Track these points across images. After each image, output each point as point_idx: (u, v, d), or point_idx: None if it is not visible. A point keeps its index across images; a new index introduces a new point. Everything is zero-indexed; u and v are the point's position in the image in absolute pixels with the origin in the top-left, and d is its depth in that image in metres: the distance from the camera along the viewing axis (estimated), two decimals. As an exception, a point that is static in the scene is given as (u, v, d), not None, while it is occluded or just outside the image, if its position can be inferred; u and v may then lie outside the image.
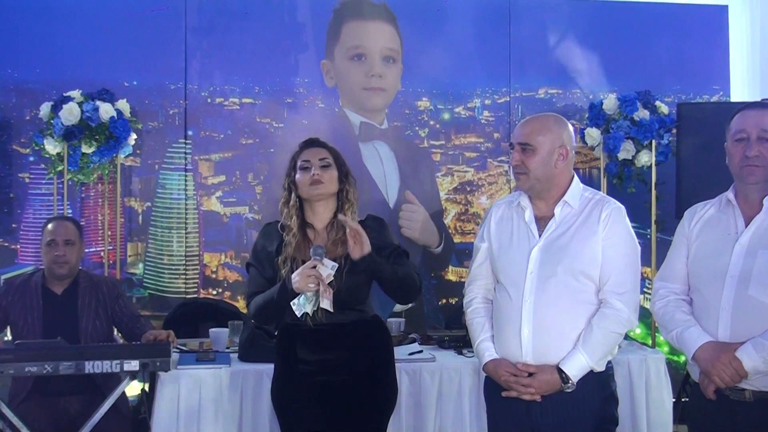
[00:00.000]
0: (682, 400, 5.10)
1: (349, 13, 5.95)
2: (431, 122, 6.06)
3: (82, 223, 4.82)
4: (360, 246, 3.22)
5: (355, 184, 3.54)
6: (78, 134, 5.14)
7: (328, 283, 3.23)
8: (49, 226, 4.33)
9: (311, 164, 3.43)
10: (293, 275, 3.25)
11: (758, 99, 5.33)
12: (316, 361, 3.38)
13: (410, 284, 3.43)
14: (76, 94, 5.22)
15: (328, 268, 3.23)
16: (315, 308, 3.27)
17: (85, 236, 4.69)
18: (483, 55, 6.07)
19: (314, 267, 3.22)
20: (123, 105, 5.30)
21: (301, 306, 3.25)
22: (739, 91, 6.26)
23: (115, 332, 4.48)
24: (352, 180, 3.53)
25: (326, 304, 3.23)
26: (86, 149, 5.20)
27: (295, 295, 3.25)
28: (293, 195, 3.46)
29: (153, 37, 5.71)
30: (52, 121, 5.16)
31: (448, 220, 6.05)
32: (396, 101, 6.01)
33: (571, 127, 3.19)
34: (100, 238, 5.56)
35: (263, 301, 3.37)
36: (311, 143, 3.52)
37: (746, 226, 2.97)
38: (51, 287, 4.30)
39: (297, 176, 3.45)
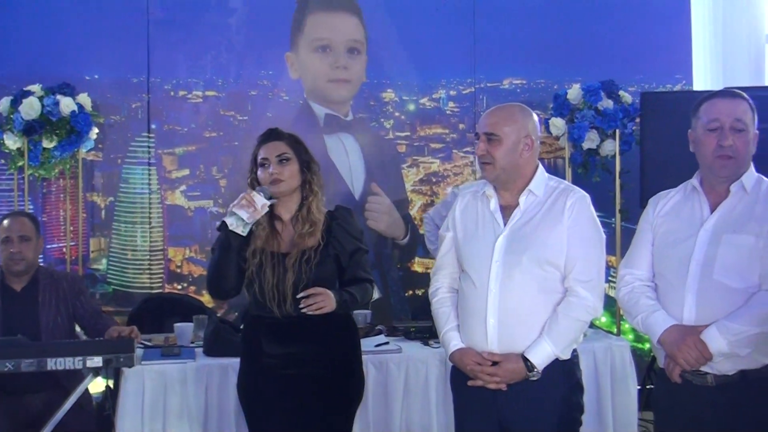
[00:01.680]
0: (647, 387, 5.14)
1: (313, 5, 5.92)
2: (396, 113, 6.06)
3: (43, 219, 4.77)
4: (326, 307, 3.29)
5: (319, 172, 3.50)
6: (38, 129, 5.07)
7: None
8: (5, 222, 4.26)
9: (269, 162, 3.39)
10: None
11: (720, 88, 5.37)
12: (281, 354, 3.36)
13: (365, 303, 3.59)
14: (36, 88, 5.15)
15: (262, 198, 3.28)
16: (244, 229, 3.27)
17: (47, 232, 4.64)
18: (448, 46, 6.07)
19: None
20: (84, 99, 5.23)
21: (233, 223, 3.25)
22: (702, 80, 6.31)
23: (78, 329, 4.43)
24: (315, 168, 3.48)
25: (247, 218, 3.26)
26: (47, 144, 5.13)
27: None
28: None
29: (115, 30, 5.64)
30: (12, 116, 5.09)
31: (414, 211, 6.05)
32: (361, 93, 5.99)
33: (536, 117, 3.19)
34: (62, 234, 5.50)
35: (215, 254, 3.38)
36: (269, 137, 3.46)
37: (711, 213, 2.99)
38: (10, 284, 4.24)
39: (258, 173, 3.42)
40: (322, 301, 3.28)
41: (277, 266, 3.35)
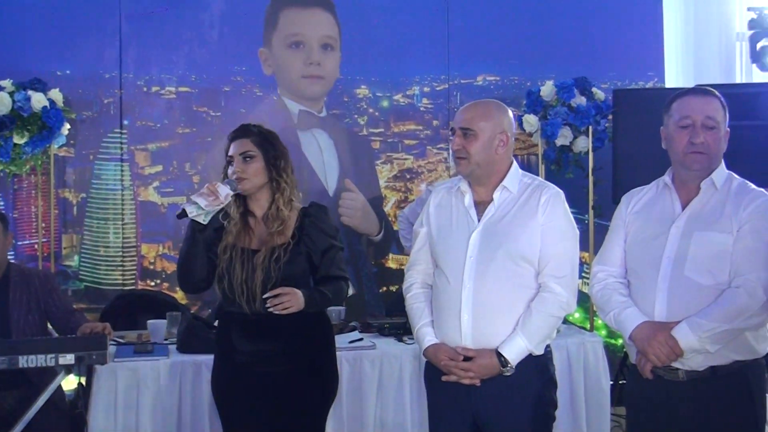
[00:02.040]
0: (620, 382, 5.17)
1: (286, 1, 5.90)
2: (370, 110, 6.06)
3: (14, 216, 4.73)
4: (292, 307, 3.28)
5: (288, 169, 3.46)
6: (9, 125, 5.04)
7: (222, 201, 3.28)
8: None
9: (234, 160, 3.38)
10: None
11: (692, 85, 5.41)
12: (251, 351, 3.35)
13: (340, 301, 3.62)
14: (6, 83, 5.12)
15: (226, 189, 3.28)
16: (205, 218, 3.25)
17: (18, 228, 4.60)
18: (422, 42, 6.08)
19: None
20: (56, 94, 5.20)
21: (192, 211, 3.24)
22: (674, 78, 6.36)
23: (50, 327, 4.39)
24: (283, 164, 3.43)
25: (204, 206, 3.24)
26: (18, 140, 5.09)
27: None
28: None
29: (87, 25, 5.63)
30: (-18, 112, 5.05)
31: (388, 207, 6.06)
32: (335, 89, 5.99)
33: (511, 114, 3.19)
34: (33, 230, 5.45)
35: (183, 245, 3.39)
36: (236, 134, 3.44)
37: (683, 210, 3.01)
38: None
39: (228, 170, 3.41)
40: (288, 301, 3.26)
41: (246, 263, 3.33)
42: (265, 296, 3.27)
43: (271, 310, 3.26)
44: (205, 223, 3.28)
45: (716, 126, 2.99)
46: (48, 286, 4.30)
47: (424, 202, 5.13)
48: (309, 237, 3.41)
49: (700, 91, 3.10)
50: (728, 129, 3.05)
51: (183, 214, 3.25)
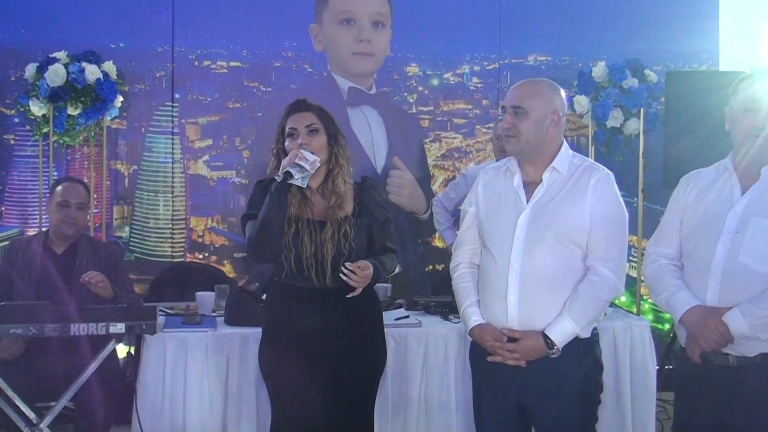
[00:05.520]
0: (666, 367, 5.14)
1: (338, -23, 5.90)
2: (420, 88, 6.05)
3: (67, 186, 4.78)
4: (368, 279, 3.32)
5: (346, 145, 3.49)
6: (64, 96, 5.10)
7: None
8: (60, 187, 4.37)
9: (298, 132, 3.38)
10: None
11: (746, 69, 5.34)
12: (312, 325, 3.35)
13: (391, 272, 3.55)
14: (61, 55, 5.17)
15: (311, 155, 3.27)
16: (303, 181, 3.26)
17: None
18: (472, 21, 6.05)
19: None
20: (109, 67, 5.26)
21: (296, 173, 3.23)
22: (728, 61, 6.25)
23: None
24: (342, 141, 3.47)
25: (309, 167, 3.26)
26: (72, 111, 5.16)
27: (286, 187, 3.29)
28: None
29: (140, -1, 5.67)
30: (37, 83, 5.13)
31: (436, 186, 6.05)
32: (385, 66, 5.98)
33: (563, 94, 3.17)
34: (86, 201, 5.53)
35: (262, 212, 3.30)
36: (297, 107, 3.45)
37: (742, 195, 2.97)
38: (52, 247, 4.34)
39: (286, 143, 3.40)
40: (364, 278, 3.30)
41: (315, 235, 3.34)
42: (348, 265, 3.28)
43: (350, 282, 3.28)
44: (304, 186, 3.29)
45: None
46: (113, 260, 4.39)
47: (458, 187, 5.19)
48: (369, 210, 3.44)
49: None
50: None
51: (288, 176, 3.24)
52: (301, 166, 3.24)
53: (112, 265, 4.36)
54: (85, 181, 5.19)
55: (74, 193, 4.34)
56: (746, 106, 2.97)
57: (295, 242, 3.34)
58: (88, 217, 4.88)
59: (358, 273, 3.28)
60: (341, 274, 3.29)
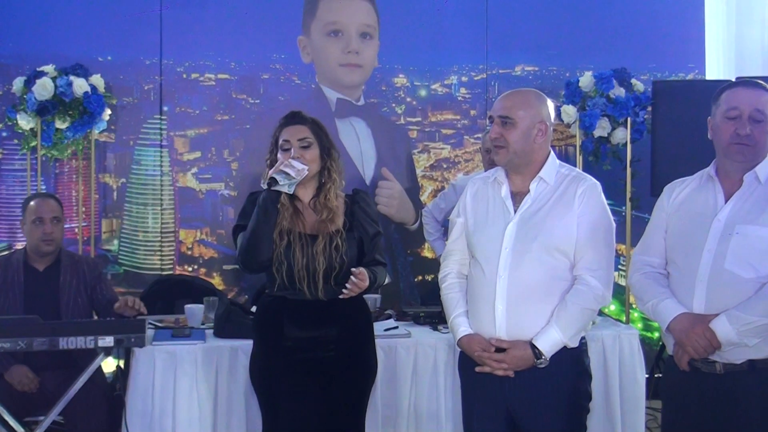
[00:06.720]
0: (655, 376, 5.15)
1: (325, -11, 5.91)
2: (408, 99, 6.06)
3: (56, 199, 4.77)
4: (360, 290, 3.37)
5: (339, 158, 3.52)
6: (52, 109, 5.10)
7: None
8: (32, 203, 4.32)
9: (291, 145, 3.40)
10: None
11: (733, 78, 5.36)
12: (303, 336, 3.37)
13: (380, 285, 3.57)
14: (49, 68, 5.17)
15: (299, 164, 3.31)
16: (289, 188, 3.30)
17: (60, 213, 4.65)
18: (460, 31, 6.06)
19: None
20: (97, 80, 5.26)
21: (282, 179, 3.26)
22: (714, 70, 6.29)
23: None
24: (336, 155, 3.50)
25: (294, 174, 3.29)
26: (60, 125, 5.16)
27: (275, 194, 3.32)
28: None
29: (128, 11, 5.67)
30: (25, 96, 5.13)
31: (425, 197, 6.06)
32: (373, 78, 5.99)
33: (550, 104, 3.18)
34: (74, 215, 5.52)
35: (252, 222, 3.34)
36: (292, 120, 3.47)
37: (726, 202, 2.99)
38: (33, 264, 4.30)
39: (279, 155, 3.42)
40: (361, 289, 3.35)
41: (306, 248, 3.35)
42: (353, 271, 3.32)
43: (346, 294, 3.32)
44: (290, 192, 3.32)
45: (763, 119, 2.95)
46: (95, 273, 4.39)
47: (448, 197, 5.20)
48: (360, 224, 3.46)
49: (751, 83, 3.06)
50: None
51: (273, 182, 3.26)
52: (287, 173, 3.26)
53: (95, 278, 4.35)
54: (74, 194, 5.20)
55: (47, 207, 4.29)
56: (728, 114, 2.98)
57: (287, 255, 3.35)
58: (76, 230, 4.87)
59: (360, 285, 3.32)
60: (346, 284, 3.32)
